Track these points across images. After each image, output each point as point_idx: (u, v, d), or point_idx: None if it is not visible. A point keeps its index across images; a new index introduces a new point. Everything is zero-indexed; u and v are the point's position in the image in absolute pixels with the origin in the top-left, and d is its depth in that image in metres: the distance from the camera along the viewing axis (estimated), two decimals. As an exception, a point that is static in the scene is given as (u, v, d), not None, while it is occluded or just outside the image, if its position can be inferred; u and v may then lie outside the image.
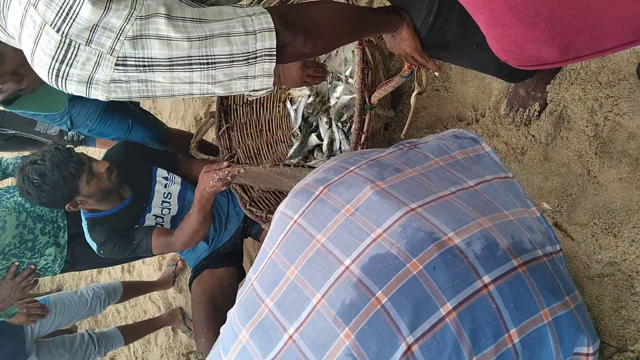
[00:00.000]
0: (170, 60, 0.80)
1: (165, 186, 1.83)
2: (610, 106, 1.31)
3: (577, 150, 1.38)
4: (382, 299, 0.63)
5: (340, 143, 1.94)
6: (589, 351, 0.67)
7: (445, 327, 0.61)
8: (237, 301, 0.78)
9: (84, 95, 0.84)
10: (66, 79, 0.81)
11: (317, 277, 0.68)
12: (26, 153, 2.52)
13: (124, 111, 1.94)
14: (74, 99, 1.76)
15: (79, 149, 2.16)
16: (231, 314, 0.78)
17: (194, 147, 2.20)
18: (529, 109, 1.44)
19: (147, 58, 0.79)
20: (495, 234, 0.67)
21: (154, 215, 1.82)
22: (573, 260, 1.40)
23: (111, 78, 0.80)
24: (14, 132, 2.15)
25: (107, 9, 0.75)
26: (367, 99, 1.48)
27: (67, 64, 0.79)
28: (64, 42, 0.77)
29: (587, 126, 1.35)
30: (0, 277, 1.78)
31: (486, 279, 0.63)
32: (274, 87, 0.92)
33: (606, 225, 1.34)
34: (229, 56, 0.83)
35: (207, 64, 0.82)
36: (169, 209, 1.87)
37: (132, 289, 2.86)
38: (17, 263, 1.76)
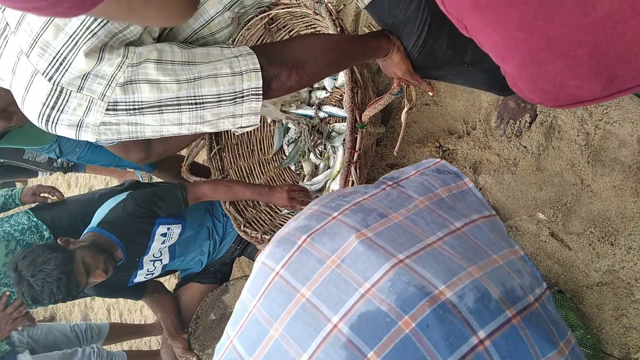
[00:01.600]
0: (159, 102, 0.83)
1: (163, 242, 1.82)
2: (600, 115, 1.33)
3: (569, 160, 1.39)
4: None
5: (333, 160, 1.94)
6: None
7: None
8: (214, 359, 0.74)
9: (74, 138, 0.85)
10: (56, 123, 0.83)
11: (303, 336, 0.63)
12: (19, 183, 2.49)
13: None
14: None
15: (69, 175, 2.14)
16: None
17: (186, 170, 2.19)
18: (520, 121, 1.45)
19: (137, 102, 0.82)
20: (487, 283, 0.65)
21: (146, 271, 1.84)
22: (571, 270, 1.40)
23: (101, 121, 0.83)
24: (2, 160, 2.13)
25: (99, 58, 0.79)
26: (357, 118, 1.48)
27: (58, 109, 0.82)
28: (55, 90, 0.80)
29: (578, 135, 1.36)
30: None
31: (481, 334, 0.61)
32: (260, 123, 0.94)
33: (602, 234, 1.34)
34: (216, 96, 0.86)
35: (195, 104, 0.85)
36: (161, 260, 1.88)
37: (121, 332, 2.80)
38: (8, 293, 1.71)
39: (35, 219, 1.85)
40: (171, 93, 0.83)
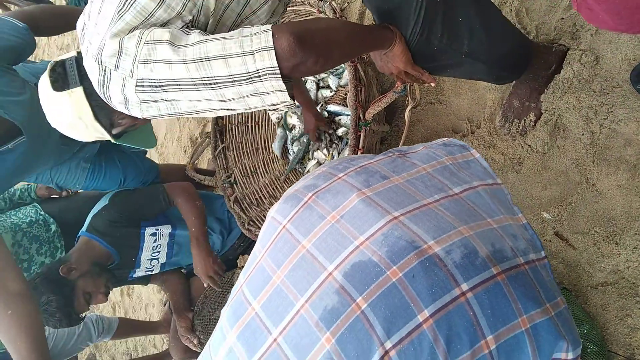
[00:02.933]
0: (175, 81, 0.87)
1: (154, 241, 1.84)
2: (605, 113, 1.31)
3: (574, 159, 1.38)
4: (362, 304, 0.64)
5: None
6: (567, 356, 0.67)
7: (422, 333, 0.62)
8: (227, 302, 0.81)
9: (128, 114, 0.96)
10: (110, 100, 0.94)
11: (301, 282, 0.70)
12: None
13: (114, 166, 1.94)
14: (58, 168, 1.79)
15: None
16: (223, 314, 0.80)
17: (191, 168, 2.20)
18: (524, 120, 1.44)
19: (157, 79, 0.88)
20: (476, 242, 0.68)
21: (144, 269, 1.87)
22: (576, 270, 1.39)
23: (140, 99, 0.91)
24: None
25: (122, 38, 0.89)
26: (361, 116, 1.47)
27: (106, 86, 0.92)
28: (101, 70, 0.91)
29: (583, 134, 1.35)
30: None
31: (464, 286, 0.64)
32: (293, 100, 0.94)
33: (607, 233, 1.33)
34: (229, 77, 0.87)
35: (210, 84, 0.87)
36: (158, 259, 1.91)
37: (129, 328, 2.82)
38: None
39: (42, 213, 1.87)
40: (183, 73, 0.86)
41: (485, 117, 1.60)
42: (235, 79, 0.86)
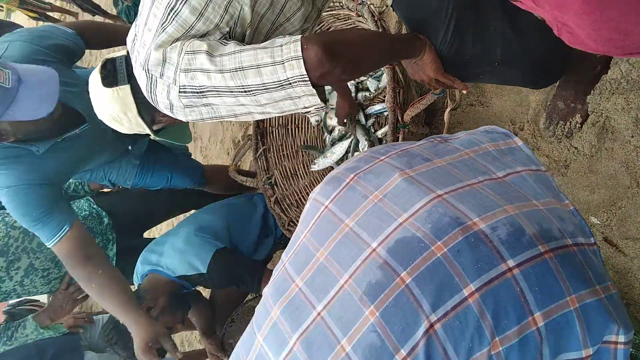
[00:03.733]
0: (214, 87, 0.93)
1: None
2: (658, 114, 1.25)
3: (623, 162, 1.32)
4: (407, 279, 0.65)
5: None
6: (618, 339, 0.65)
7: (468, 307, 0.62)
8: (270, 281, 0.83)
9: (173, 117, 1.03)
10: (158, 104, 1.02)
11: (345, 258, 0.71)
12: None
13: (162, 164, 2.02)
14: (110, 165, 1.88)
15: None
16: (264, 293, 0.82)
17: (233, 170, 2.25)
18: (570, 121, 1.39)
19: (198, 86, 0.94)
20: (522, 220, 0.67)
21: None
22: (627, 277, 1.33)
23: (183, 104, 0.98)
24: None
25: (165, 49, 0.95)
26: (399, 117, 1.47)
27: (153, 92, 1.01)
28: (149, 78, 0.99)
29: (632, 136, 1.29)
30: (54, 288, 1.84)
31: (510, 262, 0.64)
32: (326, 104, 0.97)
33: (660, 240, 1.26)
34: (262, 85, 0.91)
35: (246, 92, 0.92)
36: None
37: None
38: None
39: (95, 206, 1.97)
40: (220, 82, 0.92)
41: (528, 119, 1.55)
42: (267, 87, 0.91)
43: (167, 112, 1.02)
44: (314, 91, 0.91)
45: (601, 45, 0.71)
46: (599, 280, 0.67)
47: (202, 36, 0.96)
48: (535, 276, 0.63)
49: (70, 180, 2.09)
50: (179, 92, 0.96)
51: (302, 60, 0.89)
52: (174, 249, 1.76)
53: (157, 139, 1.28)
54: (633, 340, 1.25)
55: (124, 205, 2.08)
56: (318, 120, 2.20)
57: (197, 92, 0.95)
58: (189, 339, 3.41)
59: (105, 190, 2.13)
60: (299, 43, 0.89)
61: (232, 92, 0.93)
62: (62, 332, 1.97)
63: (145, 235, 2.33)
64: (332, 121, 2.12)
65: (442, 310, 0.63)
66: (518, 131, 1.59)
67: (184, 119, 1.03)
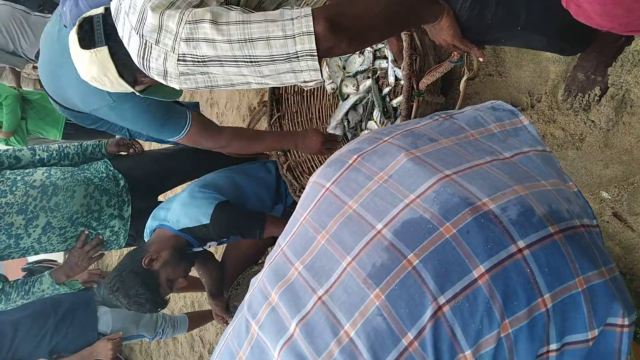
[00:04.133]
0: (218, 57, 0.92)
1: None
2: (680, 89, 1.22)
3: (640, 137, 1.30)
4: (414, 261, 0.63)
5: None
6: (623, 322, 0.65)
7: (478, 289, 0.61)
8: (265, 267, 0.80)
9: (165, 84, 1.01)
10: (149, 70, 0.99)
11: (348, 241, 0.69)
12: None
13: (179, 118, 2.03)
14: None
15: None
16: (258, 279, 0.80)
17: (247, 136, 2.27)
18: (589, 94, 1.37)
19: (200, 56, 0.92)
20: (532, 201, 0.66)
21: (205, 247, 1.94)
22: (632, 253, 1.33)
23: (179, 72, 0.95)
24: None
25: (161, 14, 0.92)
26: (415, 85, 1.46)
27: (146, 58, 0.97)
28: (142, 43, 0.96)
29: (652, 111, 1.27)
30: (70, 246, 1.91)
31: (521, 243, 0.63)
32: (324, 80, 0.96)
33: (672, 217, 1.25)
34: (269, 56, 0.91)
35: (251, 62, 0.92)
36: (222, 242, 2.00)
37: (198, 320, 2.99)
38: (86, 232, 1.89)
39: (112, 168, 2.01)
40: (226, 52, 0.91)
41: (547, 91, 1.53)
42: (274, 59, 0.91)
43: (158, 79, 1.00)
44: (318, 67, 0.92)
45: (606, 21, 0.69)
46: (605, 262, 0.67)
47: (200, 3, 0.93)
48: (545, 257, 0.63)
49: (88, 143, 2.13)
50: (178, 60, 0.93)
51: (313, 35, 0.89)
52: (178, 203, 1.80)
53: (146, 96, 1.27)
54: (631, 320, 1.26)
55: (140, 168, 2.12)
56: (334, 88, 2.19)
57: (199, 61, 0.93)
58: (199, 300, 3.52)
59: (122, 153, 2.17)
60: (311, 17, 0.89)
61: (236, 62, 0.92)
62: (77, 289, 2.04)
63: (161, 198, 2.38)
64: (347, 89, 2.11)
65: (451, 293, 0.61)
66: (535, 103, 1.57)
67: (177, 87, 1.00)
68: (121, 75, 1.13)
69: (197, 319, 3.01)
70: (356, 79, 2.07)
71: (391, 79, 1.89)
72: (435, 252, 0.63)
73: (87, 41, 1.11)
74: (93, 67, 1.13)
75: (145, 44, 0.95)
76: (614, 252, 1.36)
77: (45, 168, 1.89)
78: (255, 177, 2.13)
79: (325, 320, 0.66)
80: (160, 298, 1.73)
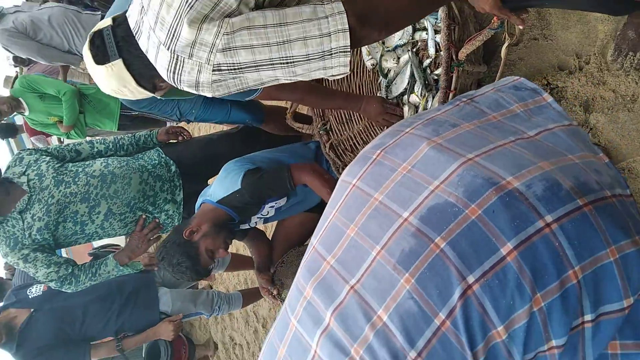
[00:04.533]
0: (254, 62, 0.94)
1: (271, 207, 1.96)
2: None
3: (699, 94, 1.23)
4: (441, 244, 0.65)
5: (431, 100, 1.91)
6: None
7: (507, 266, 0.62)
8: (301, 264, 0.83)
9: (196, 94, 1.03)
10: (180, 83, 1.01)
11: (376, 231, 0.71)
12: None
13: (223, 98, 2.10)
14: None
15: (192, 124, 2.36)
16: (296, 278, 0.83)
17: (290, 117, 2.31)
18: (641, 52, 1.30)
19: (237, 63, 0.94)
20: (558, 175, 0.66)
21: (251, 224, 1.99)
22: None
23: (212, 80, 0.97)
24: (137, 112, 2.44)
25: (199, 29, 0.92)
26: (454, 56, 1.44)
27: (178, 72, 0.98)
28: (173, 57, 0.96)
29: None
30: (130, 230, 2.04)
31: (548, 218, 0.63)
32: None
33: None
34: (305, 56, 0.94)
35: (287, 63, 0.94)
36: (267, 218, 2.03)
37: (239, 262, 3.12)
38: (144, 216, 2.02)
39: (164, 156, 2.12)
40: (264, 55, 0.93)
41: (595, 52, 1.46)
42: (310, 58, 0.93)
43: (189, 89, 1.01)
44: (348, 63, 0.95)
45: None
46: (639, 230, 0.66)
47: (232, 12, 0.94)
48: (575, 230, 0.63)
49: (141, 133, 2.25)
50: (213, 70, 0.95)
51: (348, 32, 0.91)
52: (216, 179, 1.89)
53: (166, 98, 1.29)
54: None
55: (189, 153, 2.22)
56: (374, 64, 2.18)
57: (235, 69, 0.95)
58: (252, 278, 3.65)
59: (172, 141, 2.27)
60: (345, 14, 0.92)
61: (272, 64, 0.94)
62: (139, 269, 2.18)
63: (210, 182, 2.48)
64: (388, 63, 2.09)
65: (480, 271, 0.63)
66: (583, 65, 1.51)
67: (210, 95, 1.02)
68: (140, 84, 1.14)
69: (250, 295, 3.14)
70: (396, 53, 2.05)
71: (431, 51, 1.86)
72: (462, 234, 0.64)
73: (100, 56, 1.11)
74: (112, 81, 1.14)
75: (177, 59, 0.95)
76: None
77: (103, 159, 2.02)
78: (293, 152, 2.17)
79: (358, 307, 0.68)
80: (201, 267, 1.80)
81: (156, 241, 2.11)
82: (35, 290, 2.66)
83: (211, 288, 4.19)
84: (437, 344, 0.63)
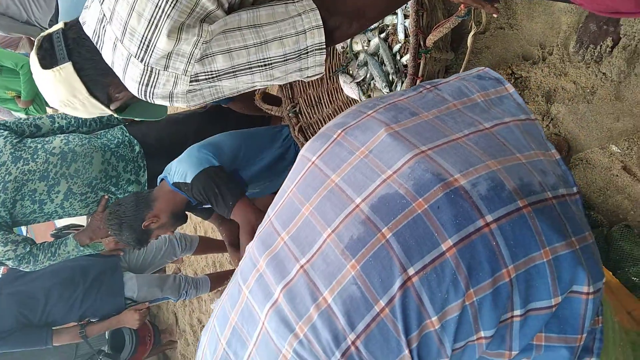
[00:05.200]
0: (232, 68, 0.91)
1: None
2: (695, 37, 1.19)
3: (653, 88, 1.28)
4: (387, 234, 0.67)
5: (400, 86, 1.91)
6: (588, 290, 0.68)
7: (445, 261, 0.64)
8: (255, 236, 0.85)
9: (169, 105, 0.98)
10: (152, 96, 0.94)
11: (329, 213, 0.73)
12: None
13: None
14: None
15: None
16: (249, 248, 0.84)
17: (259, 98, 2.28)
18: (601, 45, 1.34)
19: (214, 71, 0.90)
20: (503, 175, 0.68)
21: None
22: (643, 206, 1.33)
23: (187, 90, 0.92)
24: None
25: (178, 39, 0.86)
26: (422, 42, 1.44)
27: (151, 85, 0.92)
28: (146, 70, 0.90)
29: (666, 60, 1.24)
30: (92, 210, 1.98)
31: (489, 218, 0.65)
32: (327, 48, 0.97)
33: (683, 169, 1.24)
34: (283, 56, 0.92)
35: (265, 65, 0.92)
36: None
37: (208, 245, 3.09)
38: (106, 197, 1.97)
39: (128, 134, 2.06)
40: (242, 59, 0.90)
41: (558, 43, 1.49)
42: (287, 58, 0.91)
43: (162, 102, 0.95)
44: (324, 61, 0.93)
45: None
46: (576, 231, 0.69)
47: (207, 16, 0.89)
48: (512, 230, 0.65)
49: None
50: (190, 81, 0.91)
51: (322, 29, 0.90)
52: (178, 159, 1.85)
53: (125, 117, 1.18)
54: (638, 270, 1.27)
55: (154, 133, 2.16)
56: (344, 46, 2.17)
57: (212, 77, 0.91)
58: (220, 260, 3.64)
59: (137, 119, 2.21)
60: (317, 11, 0.90)
61: (250, 68, 0.91)
62: (99, 250, 2.14)
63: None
64: (357, 46, 2.08)
65: (420, 264, 0.65)
66: (547, 55, 1.54)
67: (184, 105, 0.97)
68: (91, 93, 1.05)
69: (218, 279, 3.13)
70: (366, 35, 2.04)
71: (401, 36, 1.86)
72: (407, 227, 0.66)
73: (48, 60, 1.03)
74: (60, 89, 1.04)
75: (151, 71, 0.90)
76: (623, 205, 1.36)
77: (63, 135, 1.94)
78: (260, 138, 2.15)
79: (306, 287, 0.71)
80: (146, 242, 1.83)
81: None
82: None
83: (180, 271, 4.15)
84: (375, 329, 0.66)
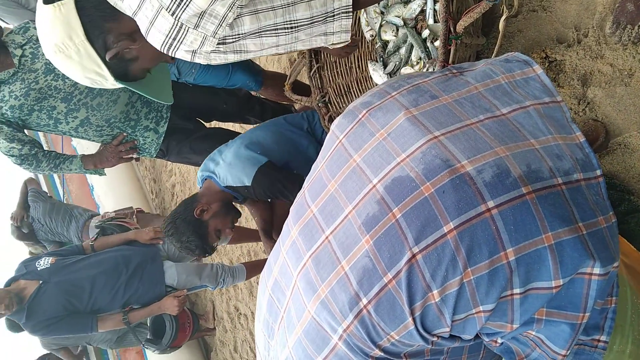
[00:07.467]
0: (259, 29, 0.93)
1: None
2: None
3: (696, 68, 1.23)
4: (397, 214, 0.74)
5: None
6: (593, 271, 0.69)
7: (446, 242, 0.70)
8: (293, 204, 0.94)
9: (189, 60, 0.98)
10: (175, 51, 0.96)
11: (351, 191, 0.80)
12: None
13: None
14: None
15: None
16: (291, 211, 0.94)
17: (288, 89, 2.31)
18: (639, 25, 1.29)
19: (241, 33, 0.93)
20: (510, 162, 0.71)
21: None
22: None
23: (212, 50, 0.94)
24: None
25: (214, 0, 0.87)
26: (452, 28, 1.43)
27: (178, 40, 0.93)
28: (176, 25, 0.90)
29: None
30: (105, 141, 2.04)
31: (490, 203, 0.69)
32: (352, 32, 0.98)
33: None
34: (309, 19, 0.94)
35: (291, 28, 0.94)
36: None
37: (242, 234, 3.16)
38: (124, 134, 2.03)
39: None
40: (269, 20, 0.92)
41: (594, 24, 1.45)
42: (313, 20, 0.93)
43: (184, 57, 0.95)
44: (350, 27, 0.94)
45: None
46: (585, 217, 0.70)
47: None
48: (513, 216, 0.68)
49: None
50: (218, 43, 0.92)
51: None
52: (225, 160, 1.89)
53: (124, 85, 1.13)
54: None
55: (190, 91, 2.18)
56: (372, 35, 2.16)
57: (239, 39, 0.92)
58: (255, 250, 3.71)
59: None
60: None
61: (276, 30, 0.93)
62: (102, 174, 2.20)
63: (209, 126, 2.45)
64: (387, 35, 2.07)
65: (424, 244, 0.71)
66: (582, 38, 1.50)
67: (204, 62, 0.98)
68: (88, 38, 1.00)
69: (253, 267, 3.20)
70: (395, 24, 2.03)
71: (430, 21, 1.84)
72: (415, 208, 0.72)
73: None
74: (56, 29, 0.99)
75: (181, 27, 0.90)
76: (664, 189, 1.32)
77: None
78: (298, 131, 2.17)
79: (329, 256, 0.80)
80: (208, 245, 1.87)
81: (128, 161, 2.13)
82: (43, 263, 2.72)
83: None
84: (384, 297, 0.74)
